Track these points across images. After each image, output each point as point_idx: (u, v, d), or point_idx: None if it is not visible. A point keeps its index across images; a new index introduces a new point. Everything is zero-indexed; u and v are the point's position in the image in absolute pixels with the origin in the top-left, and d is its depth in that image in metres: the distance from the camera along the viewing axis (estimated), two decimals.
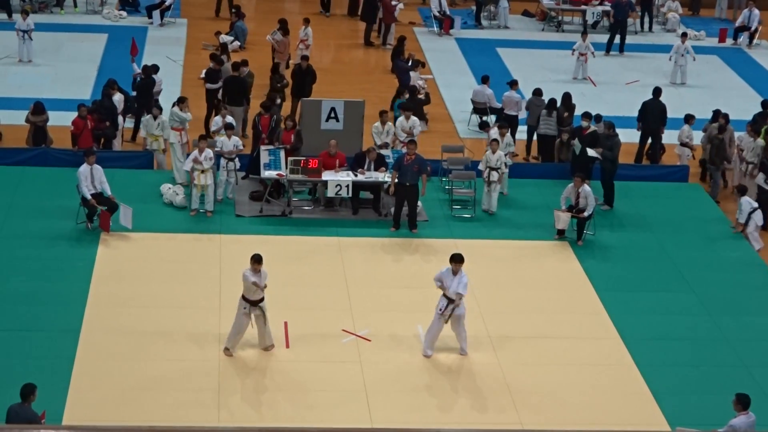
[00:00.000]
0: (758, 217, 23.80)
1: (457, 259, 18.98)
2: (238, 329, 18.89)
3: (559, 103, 26.91)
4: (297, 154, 24.25)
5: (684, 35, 33.62)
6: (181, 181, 24.37)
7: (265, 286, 18.81)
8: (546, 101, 27.17)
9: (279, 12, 35.51)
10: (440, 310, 18.98)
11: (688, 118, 26.83)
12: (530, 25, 38.68)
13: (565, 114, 26.71)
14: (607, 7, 37.41)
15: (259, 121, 25.00)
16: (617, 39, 35.74)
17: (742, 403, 16.45)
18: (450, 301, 18.87)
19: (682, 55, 33.11)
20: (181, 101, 25.27)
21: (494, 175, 24.27)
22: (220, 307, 20.28)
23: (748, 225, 23.79)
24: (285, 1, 39.58)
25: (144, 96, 26.98)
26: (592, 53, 33.08)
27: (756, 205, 23.91)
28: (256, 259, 18.78)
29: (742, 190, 24.29)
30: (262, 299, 18.78)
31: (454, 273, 18.88)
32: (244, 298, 18.75)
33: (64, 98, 28.56)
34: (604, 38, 36.15)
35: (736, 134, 26.32)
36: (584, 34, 33.51)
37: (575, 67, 33.09)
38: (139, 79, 27.52)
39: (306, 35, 32.10)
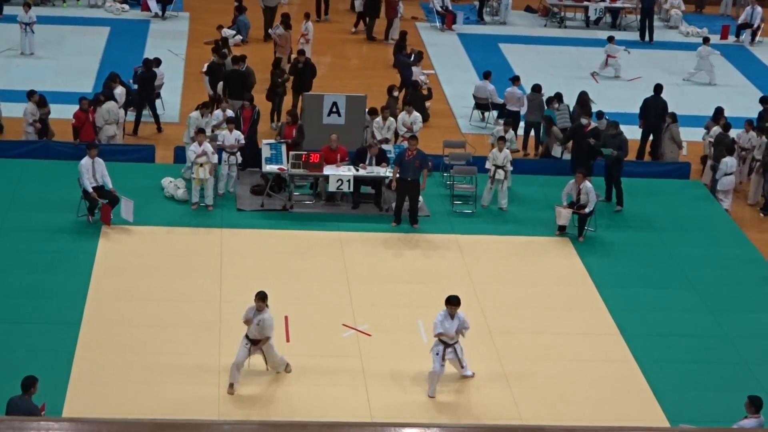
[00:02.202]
0: (727, 181, 24.82)
1: (453, 302, 18.09)
2: (237, 363, 17.83)
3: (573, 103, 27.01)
4: (298, 148, 24.26)
5: (706, 40, 33.71)
6: (188, 177, 24.02)
7: (268, 339, 17.70)
8: (545, 97, 27.24)
9: (281, 7, 35.47)
10: (438, 354, 18.09)
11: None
12: (532, 20, 38.68)
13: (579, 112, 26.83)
14: (609, 4, 37.58)
15: (241, 113, 25.02)
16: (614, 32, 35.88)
17: (755, 405, 16.32)
18: (446, 345, 18.12)
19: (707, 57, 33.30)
20: (204, 106, 24.96)
21: (500, 173, 24.24)
22: (220, 301, 20.29)
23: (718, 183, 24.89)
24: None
25: (145, 89, 26.96)
26: (627, 50, 33.24)
27: (733, 170, 24.81)
28: (261, 297, 17.62)
29: (730, 150, 25.10)
30: (266, 339, 17.87)
31: (452, 316, 18.12)
32: (247, 336, 17.86)
33: (66, 91, 28.55)
34: (606, 34, 36.17)
35: (735, 132, 26.39)
36: (611, 38, 33.54)
37: (614, 67, 33.14)
38: (140, 71, 27.51)
39: (306, 29, 32.09)
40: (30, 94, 25.65)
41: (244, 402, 17.78)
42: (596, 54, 33.62)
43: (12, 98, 27.46)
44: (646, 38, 36.73)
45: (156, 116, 27.46)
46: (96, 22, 35.31)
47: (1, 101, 27.08)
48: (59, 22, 34.91)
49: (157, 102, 28.26)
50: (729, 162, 24.93)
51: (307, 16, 32.61)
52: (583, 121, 25.40)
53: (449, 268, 21.97)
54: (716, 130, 26.31)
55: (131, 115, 27.20)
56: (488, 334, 19.79)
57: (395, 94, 27.34)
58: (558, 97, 26.98)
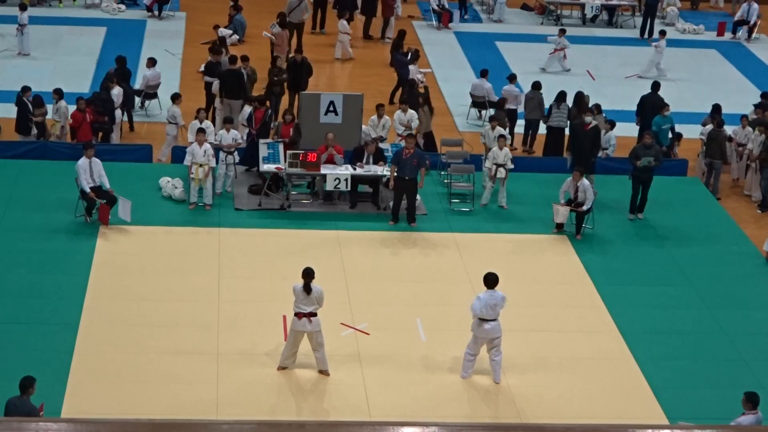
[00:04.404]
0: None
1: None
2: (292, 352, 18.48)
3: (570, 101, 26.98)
4: (296, 147, 24.25)
5: (662, 33, 33.71)
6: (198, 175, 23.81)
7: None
8: (543, 94, 27.22)
9: (277, 5, 35.46)
10: None
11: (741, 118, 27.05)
12: (529, 18, 38.69)
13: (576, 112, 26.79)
14: (605, 1, 37.63)
15: (253, 114, 24.99)
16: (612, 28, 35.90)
17: (752, 401, 16.31)
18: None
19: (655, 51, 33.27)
20: (175, 97, 25.01)
21: (501, 172, 24.22)
22: (218, 300, 20.30)
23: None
24: None
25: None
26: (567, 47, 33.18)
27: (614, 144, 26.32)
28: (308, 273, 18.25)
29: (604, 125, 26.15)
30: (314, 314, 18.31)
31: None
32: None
33: (63, 92, 28.47)
34: (603, 32, 36.24)
35: (731, 128, 26.43)
36: (562, 30, 33.41)
37: (548, 61, 33.07)
38: (113, 70, 27.43)
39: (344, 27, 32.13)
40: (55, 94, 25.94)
41: (242, 401, 17.79)
42: (593, 51, 33.61)
43: (9, 99, 27.42)
44: (646, 35, 36.72)
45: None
46: (92, 22, 35.31)
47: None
48: (55, 22, 34.90)
49: (154, 102, 28.25)
50: (612, 134, 26.07)
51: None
52: (587, 119, 25.31)
53: (447, 267, 21.98)
54: (709, 127, 26.36)
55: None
56: None
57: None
58: (562, 96, 26.89)
